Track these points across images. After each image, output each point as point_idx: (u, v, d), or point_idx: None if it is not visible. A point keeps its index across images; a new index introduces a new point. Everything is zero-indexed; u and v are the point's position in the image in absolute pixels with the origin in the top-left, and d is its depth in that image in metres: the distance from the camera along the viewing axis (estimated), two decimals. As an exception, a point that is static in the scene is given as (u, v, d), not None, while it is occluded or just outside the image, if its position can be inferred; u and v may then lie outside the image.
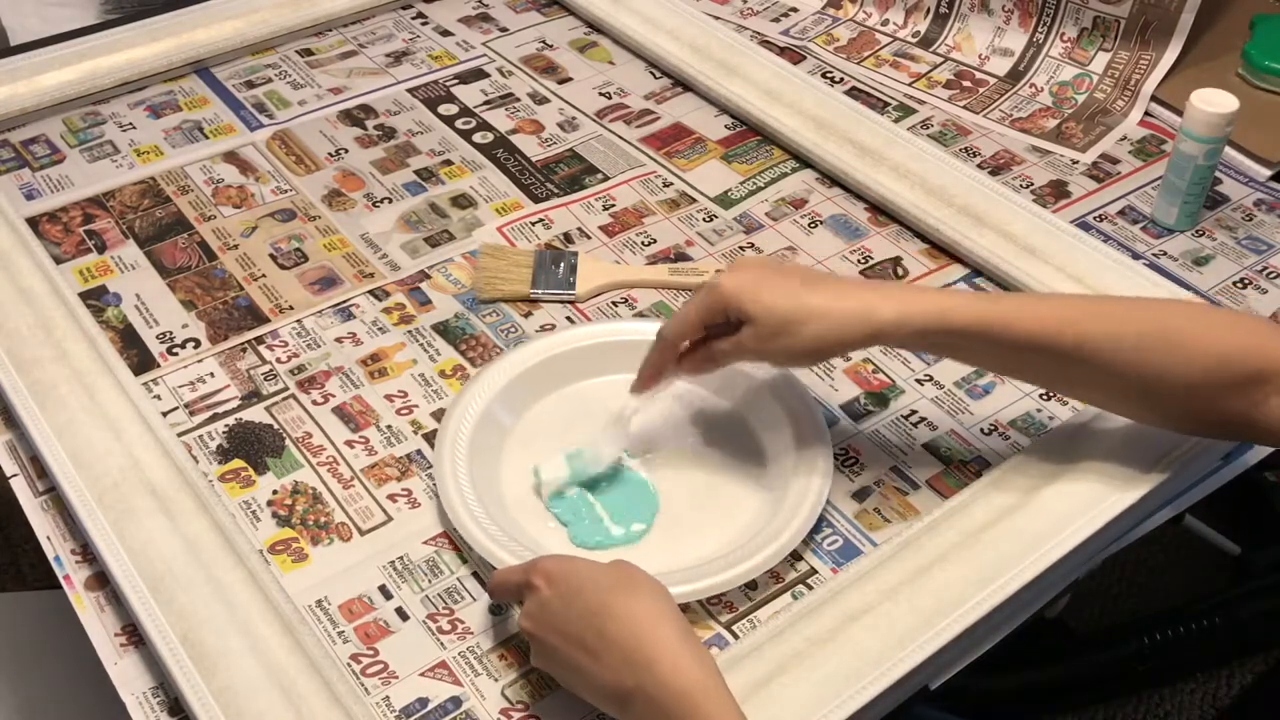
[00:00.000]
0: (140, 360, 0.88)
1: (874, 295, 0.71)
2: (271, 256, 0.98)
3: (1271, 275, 0.96)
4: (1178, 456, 0.76)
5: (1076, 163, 1.08)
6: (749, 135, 1.11)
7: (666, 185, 1.05)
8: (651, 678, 0.59)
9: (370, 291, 0.94)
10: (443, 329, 0.91)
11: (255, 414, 0.85)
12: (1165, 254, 0.98)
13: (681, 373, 0.77)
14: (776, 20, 1.27)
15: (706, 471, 0.81)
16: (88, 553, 0.76)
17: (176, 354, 0.89)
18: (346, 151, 1.09)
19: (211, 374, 0.87)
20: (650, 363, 0.77)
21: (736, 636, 0.71)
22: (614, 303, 0.93)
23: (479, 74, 1.19)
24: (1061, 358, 0.70)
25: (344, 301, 0.93)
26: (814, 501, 0.75)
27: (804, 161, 1.07)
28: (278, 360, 0.88)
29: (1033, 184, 1.05)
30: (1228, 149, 1.04)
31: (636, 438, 0.80)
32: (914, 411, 0.85)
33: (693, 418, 0.83)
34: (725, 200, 1.04)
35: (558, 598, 0.63)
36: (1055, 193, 1.04)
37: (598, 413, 0.83)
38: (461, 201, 1.03)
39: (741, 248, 0.98)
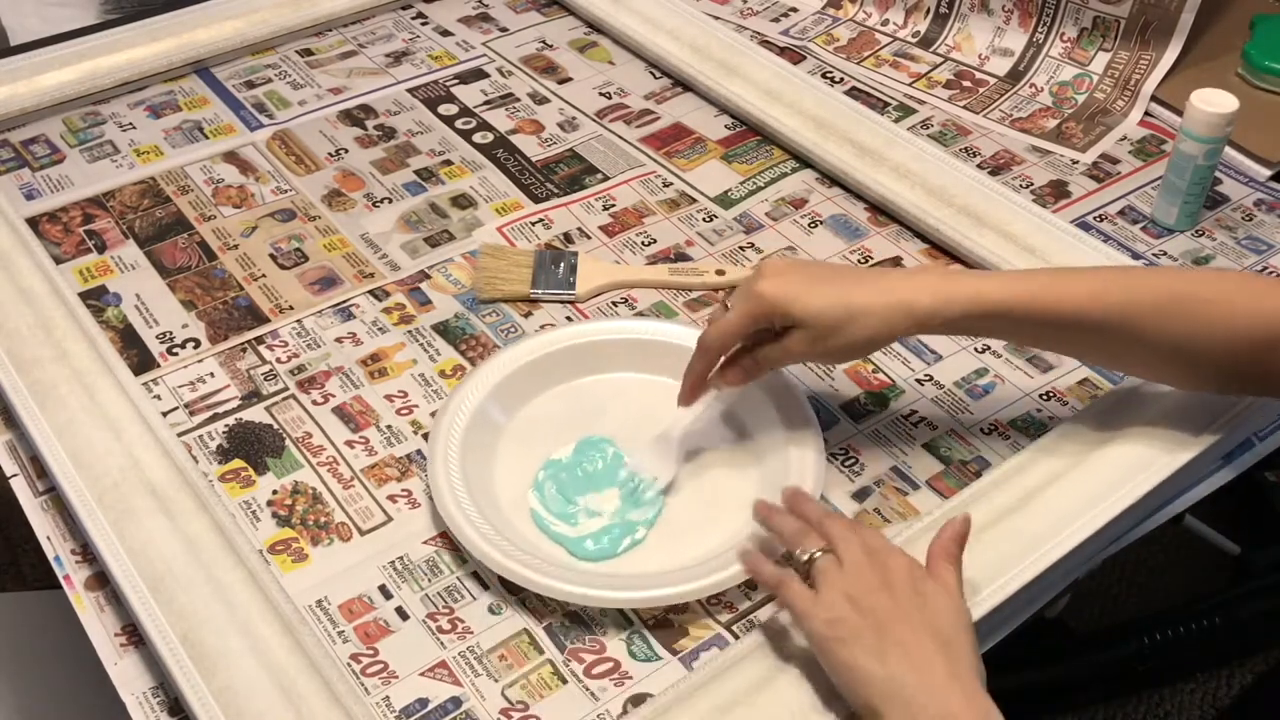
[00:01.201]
0: (140, 360, 0.88)
1: (911, 286, 0.72)
2: (271, 256, 0.98)
3: (1272, 275, 0.96)
4: (1178, 457, 0.76)
5: (1076, 163, 1.07)
6: (749, 135, 1.11)
7: (666, 185, 1.05)
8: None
9: (370, 291, 0.94)
10: (443, 329, 0.91)
11: (255, 414, 0.85)
12: (1165, 254, 0.98)
13: (723, 383, 0.77)
14: (776, 20, 1.27)
15: (699, 468, 0.80)
16: (88, 553, 0.76)
17: (176, 354, 0.89)
18: (346, 151, 1.09)
19: (211, 374, 0.87)
20: (694, 372, 0.77)
21: (736, 636, 0.71)
22: (614, 303, 0.93)
23: (479, 74, 1.19)
24: (1096, 329, 0.71)
25: (344, 301, 0.93)
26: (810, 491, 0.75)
27: (804, 161, 1.07)
28: (278, 360, 0.88)
29: (1033, 184, 1.05)
30: (1228, 149, 1.04)
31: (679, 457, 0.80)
32: (914, 411, 0.85)
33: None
34: (725, 200, 1.03)
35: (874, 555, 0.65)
36: (1055, 193, 1.04)
37: (592, 411, 0.83)
38: (461, 201, 1.03)
39: (741, 248, 0.98)
